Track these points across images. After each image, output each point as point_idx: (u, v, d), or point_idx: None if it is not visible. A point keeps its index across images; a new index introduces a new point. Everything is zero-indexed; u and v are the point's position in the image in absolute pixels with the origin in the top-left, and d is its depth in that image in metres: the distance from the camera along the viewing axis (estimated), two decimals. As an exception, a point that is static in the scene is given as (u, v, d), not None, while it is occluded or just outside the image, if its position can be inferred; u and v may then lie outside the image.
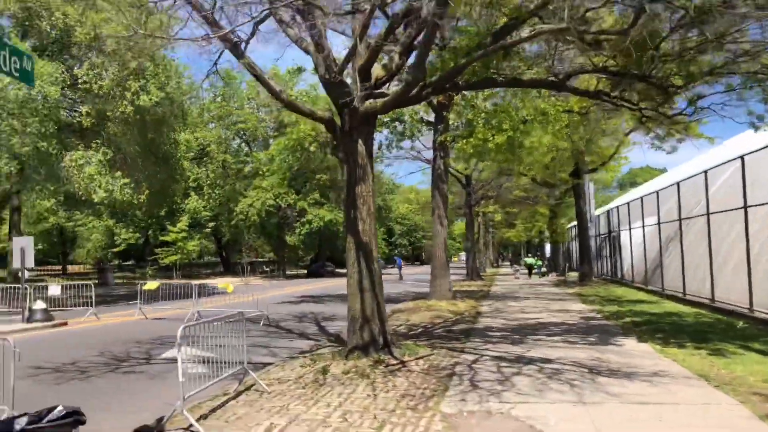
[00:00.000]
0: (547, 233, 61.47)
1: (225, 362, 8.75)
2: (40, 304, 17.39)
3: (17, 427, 4.33)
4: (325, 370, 9.86)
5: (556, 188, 38.30)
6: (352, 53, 10.93)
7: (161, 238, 51.49)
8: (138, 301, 20.23)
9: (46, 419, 4.48)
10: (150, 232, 54.05)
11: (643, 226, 26.14)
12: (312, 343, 14.11)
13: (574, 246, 50.92)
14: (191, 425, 7.10)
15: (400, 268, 51.48)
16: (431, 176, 23.90)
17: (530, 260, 48.88)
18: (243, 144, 56.21)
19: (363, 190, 11.02)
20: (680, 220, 20.40)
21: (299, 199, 51.62)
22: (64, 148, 23.77)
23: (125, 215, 50.41)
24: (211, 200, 49.57)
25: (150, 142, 27.02)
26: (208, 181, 49.13)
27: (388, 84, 11.40)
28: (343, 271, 53.18)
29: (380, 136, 25.11)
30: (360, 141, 11.07)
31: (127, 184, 24.45)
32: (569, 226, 52.21)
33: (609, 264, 36.23)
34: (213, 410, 7.96)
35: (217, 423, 7.38)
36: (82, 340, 14.98)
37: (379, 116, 22.69)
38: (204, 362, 8.54)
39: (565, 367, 9.85)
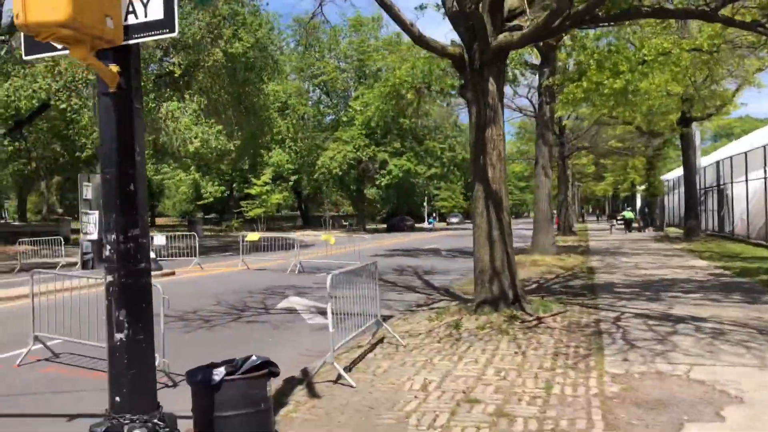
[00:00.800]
0: (639, 186, 58.79)
1: (358, 314, 8.25)
2: (148, 253, 17.59)
3: (216, 377, 3.90)
4: (458, 325, 9.26)
5: (660, 137, 35.93)
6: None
7: (246, 191, 52.19)
8: (240, 252, 20.27)
9: (242, 369, 4.04)
10: (234, 185, 54.90)
11: (766, 178, 24.03)
12: (422, 296, 13.62)
13: (673, 198, 48.51)
14: (339, 377, 6.67)
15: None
16: (536, 124, 22.66)
17: (629, 214, 46.60)
18: (323, 95, 55.75)
19: (493, 134, 10.16)
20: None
21: (379, 150, 50.98)
22: (160, 98, 23.84)
23: (210, 169, 51.27)
24: (293, 153, 49.67)
25: (241, 92, 26.83)
26: (290, 134, 49.07)
27: (519, 17, 10.36)
28: (422, 225, 53.01)
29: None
30: (491, 79, 10.16)
31: (220, 131, 24.40)
32: (666, 177, 49.50)
33: (715, 219, 34.08)
34: (353, 362, 7.51)
35: (364, 376, 6.90)
36: (195, 290, 15.01)
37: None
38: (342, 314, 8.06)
39: (726, 327, 8.87)
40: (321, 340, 8.35)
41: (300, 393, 6.32)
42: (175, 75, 23.84)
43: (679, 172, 49.40)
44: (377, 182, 53.10)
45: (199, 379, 4.01)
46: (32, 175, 41.75)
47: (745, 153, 29.34)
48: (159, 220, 70.39)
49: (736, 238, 28.52)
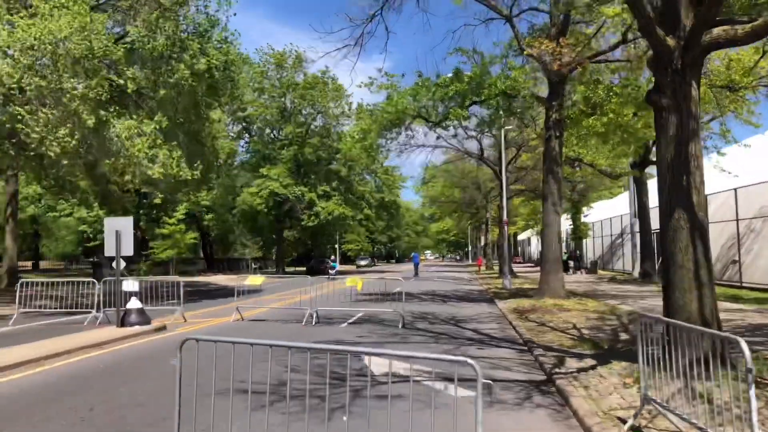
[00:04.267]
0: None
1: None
2: (135, 303, 13.85)
3: None
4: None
5: (618, 178, 36.01)
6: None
7: (158, 230, 47.09)
8: (235, 298, 16.85)
9: None
10: (141, 223, 49.42)
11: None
12: (509, 351, 11.22)
13: (594, 241, 49.52)
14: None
15: (416, 265, 48.49)
16: (543, 160, 21.14)
17: (564, 255, 46.50)
18: (243, 131, 52.28)
19: (696, 149, 8.19)
20: None
21: (307, 190, 48.15)
22: (117, 116, 20.08)
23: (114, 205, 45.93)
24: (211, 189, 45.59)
25: (197, 116, 23.44)
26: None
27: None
28: (346, 267, 49.93)
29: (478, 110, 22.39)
30: (693, 83, 8.22)
31: (181, 157, 20.90)
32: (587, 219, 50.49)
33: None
34: None
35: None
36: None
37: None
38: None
39: None
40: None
41: None
42: (128, 91, 20.20)
43: (594, 215, 50.87)
44: (303, 223, 49.98)
45: None
46: None
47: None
48: (42, 264, 62.37)
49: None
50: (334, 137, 51.90)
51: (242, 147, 51.69)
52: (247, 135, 51.91)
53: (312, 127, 50.92)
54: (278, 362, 6.30)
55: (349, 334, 13.57)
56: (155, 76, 20.74)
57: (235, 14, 23.65)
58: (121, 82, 19.68)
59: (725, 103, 19.65)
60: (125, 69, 20.16)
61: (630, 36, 18.50)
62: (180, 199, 45.44)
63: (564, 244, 60.32)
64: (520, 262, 75.18)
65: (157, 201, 45.74)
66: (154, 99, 21.31)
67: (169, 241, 45.83)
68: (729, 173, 22.29)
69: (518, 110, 21.52)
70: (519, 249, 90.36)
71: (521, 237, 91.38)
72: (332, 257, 55.37)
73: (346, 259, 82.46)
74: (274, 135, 52.09)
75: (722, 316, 13.06)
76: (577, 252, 48.30)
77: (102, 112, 18.20)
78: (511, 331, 14.22)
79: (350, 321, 15.89)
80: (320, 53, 70.00)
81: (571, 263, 44.50)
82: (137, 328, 13.25)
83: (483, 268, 56.27)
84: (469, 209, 68.89)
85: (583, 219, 49.99)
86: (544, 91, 21.74)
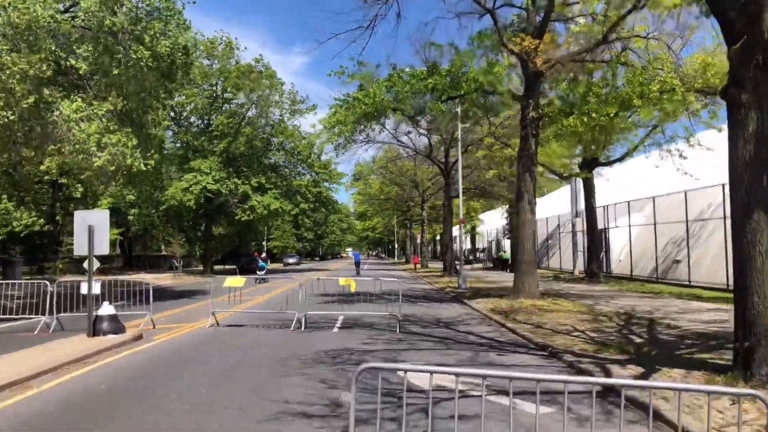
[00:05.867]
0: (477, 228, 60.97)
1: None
2: (107, 309, 12.14)
3: None
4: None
5: (568, 180, 36.27)
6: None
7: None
8: (211, 302, 15.26)
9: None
10: (58, 218, 45.69)
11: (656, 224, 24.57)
12: (530, 357, 10.56)
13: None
14: None
15: (358, 264, 47.37)
16: (518, 158, 20.67)
17: (506, 255, 46.77)
18: (171, 121, 49.37)
19: (777, 148, 7.72)
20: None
21: (241, 183, 45.97)
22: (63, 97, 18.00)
23: (24, 197, 42.19)
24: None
25: (147, 101, 21.53)
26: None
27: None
28: (274, 266, 48.30)
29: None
30: (775, 76, 7.73)
31: (136, 146, 19.05)
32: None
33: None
34: None
35: None
36: (227, 363, 10.26)
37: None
38: None
39: None
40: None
41: None
42: (80, 72, 18.19)
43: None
44: (237, 218, 47.75)
45: None
46: None
47: (628, 202, 32.19)
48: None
49: (624, 277, 31.30)
50: (269, 128, 50.05)
51: (170, 138, 48.78)
52: (174, 125, 48.95)
53: (246, 117, 48.78)
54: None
55: (349, 340, 12.47)
56: (108, 54, 18.72)
57: (194, 2, 21.57)
58: (72, 62, 17.63)
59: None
60: (76, 46, 18.16)
61: (611, 36, 18.33)
62: (102, 191, 42.45)
63: (497, 243, 61.43)
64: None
65: (77, 195, 42.47)
66: (103, 81, 19.29)
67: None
68: (692, 176, 22.66)
69: (491, 106, 20.98)
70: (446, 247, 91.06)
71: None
72: (263, 255, 53.25)
73: (271, 257, 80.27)
74: (205, 125, 49.56)
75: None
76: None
77: (46, 92, 16.13)
78: (511, 334, 13.59)
79: (338, 326, 14.76)
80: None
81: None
82: (112, 338, 11.62)
83: (419, 266, 55.98)
84: (401, 207, 68.65)
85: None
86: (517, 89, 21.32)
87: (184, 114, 48.78)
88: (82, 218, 11.89)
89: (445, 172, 39.94)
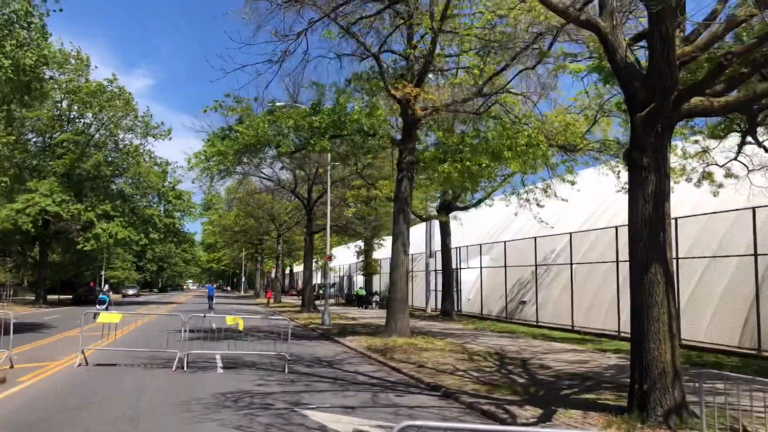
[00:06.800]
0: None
1: None
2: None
3: None
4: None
5: (427, 221, 37.56)
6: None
7: None
8: (80, 341, 13.87)
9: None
10: None
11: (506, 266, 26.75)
12: (437, 397, 10.91)
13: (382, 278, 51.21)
14: None
15: (211, 298, 45.38)
16: (394, 200, 21.30)
17: (361, 291, 47.21)
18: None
19: (668, 209, 8.78)
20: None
21: (85, 209, 42.60)
22: None
23: None
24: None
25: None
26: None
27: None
28: (115, 297, 45.37)
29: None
30: (668, 146, 8.84)
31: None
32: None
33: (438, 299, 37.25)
34: None
35: None
36: (124, 410, 9.42)
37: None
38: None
39: None
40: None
41: None
42: None
43: (380, 252, 52.97)
44: (78, 246, 44.04)
45: None
46: None
47: (480, 245, 34.57)
48: None
49: (475, 316, 33.43)
50: (118, 153, 47.17)
51: None
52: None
53: (95, 137, 45.59)
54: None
55: (240, 381, 12.02)
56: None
57: (62, 10, 19.87)
58: None
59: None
60: None
61: (485, 90, 19.66)
62: None
63: (348, 278, 62.11)
64: (294, 294, 75.03)
65: None
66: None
67: None
68: (547, 224, 24.61)
69: (370, 148, 21.54)
70: (295, 281, 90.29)
71: (297, 269, 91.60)
72: (105, 287, 49.36)
73: (110, 288, 74.88)
74: (45, 143, 45.63)
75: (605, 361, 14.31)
76: (374, 290, 49.45)
77: None
78: (398, 374, 13.85)
79: (220, 365, 14.15)
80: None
81: (376, 298, 45.38)
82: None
83: (272, 300, 55.01)
84: (252, 240, 67.27)
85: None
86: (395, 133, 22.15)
87: (22, 129, 44.52)
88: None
89: (308, 207, 39.94)
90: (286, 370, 13.52)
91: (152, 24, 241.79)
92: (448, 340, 20.18)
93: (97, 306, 28.74)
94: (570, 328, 23.58)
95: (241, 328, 14.37)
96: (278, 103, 22.07)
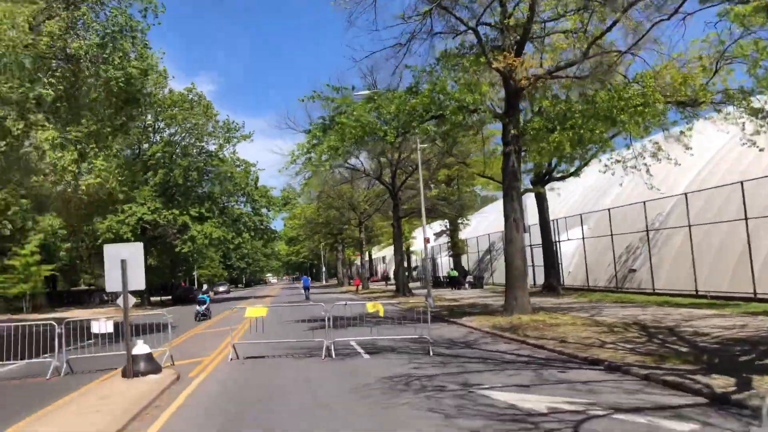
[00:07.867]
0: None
1: None
2: (142, 348, 11.16)
3: None
4: None
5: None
6: None
7: (7, 261, 40.28)
8: (231, 335, 14.34)
9: None
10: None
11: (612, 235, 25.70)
12: (601, 371, 10.56)
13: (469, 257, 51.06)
14: None
15: (306, 288, 46.35)
16: (503, 175, 20.92)
17: (454, 272, 47.04)
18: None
19: None
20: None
21: (179, 214, 44.15)
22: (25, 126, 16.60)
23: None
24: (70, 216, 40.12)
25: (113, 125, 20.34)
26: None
27: None
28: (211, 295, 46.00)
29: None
30: None
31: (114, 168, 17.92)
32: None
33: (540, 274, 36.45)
34: None
35: None
36: (309, 398, 9.63)
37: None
38: None
39: None
40: None
41: None
42: (47, 99, 16.87)
43: (466, 232, 52.52)
44: (177, 249, 45.75)
45: None
46: None
47: (580, 215, 34.07)
48: None
49: (580, 289, 32.51)
50: (204, 156, 48.61)
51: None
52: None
53: (182, 146, 47.17)
54: None
55: (394, 366, 12.09)
56: (76, 78, 17.55)
57: (160, 23, 20.46)
58: (43, 90, 16.33)
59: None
60: (41, 73, 16.87)
61: (591, 52, 18.97)
62: (32, 227, 39.49)
63: (432, 260, 62.01)
64: (377, 281, 75.34)
65: (5, 233, 39.35)
66: (71, 106, 18.05)
67: (18, 275, 39.45)
68: (658, 189, 23.46)
69: (474, 125, 21.21)
70: (374, 267, 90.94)
71: (376, 255, 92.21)
72: (204, 287, 51.01)
73: (200, 286, 77.62)
74: (136, 155, 47.46)
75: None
76: (466, 269, 49.20)
77: (32, 117, 14.93)
78: (543, 350, 13.48)
79: (362, 352, 14.31)
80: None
81: (470, 278, 45.12)
82: (152, 378, 10.71)
83: (360, 288, 55.70)
84: (332, 230, 68.13)
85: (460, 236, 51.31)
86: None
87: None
88: (114, 253, 10.92)
89: (393, 193, 39.96)
90: (431, 352, 13.51)
91: (211, 31, 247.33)
92: (572, 314, 19.72)
93: (197, 307, 29.49)
94: (693, 293, 22.60)
95: (381, 314, 14.50)
96: (373, 90, 21.98)
